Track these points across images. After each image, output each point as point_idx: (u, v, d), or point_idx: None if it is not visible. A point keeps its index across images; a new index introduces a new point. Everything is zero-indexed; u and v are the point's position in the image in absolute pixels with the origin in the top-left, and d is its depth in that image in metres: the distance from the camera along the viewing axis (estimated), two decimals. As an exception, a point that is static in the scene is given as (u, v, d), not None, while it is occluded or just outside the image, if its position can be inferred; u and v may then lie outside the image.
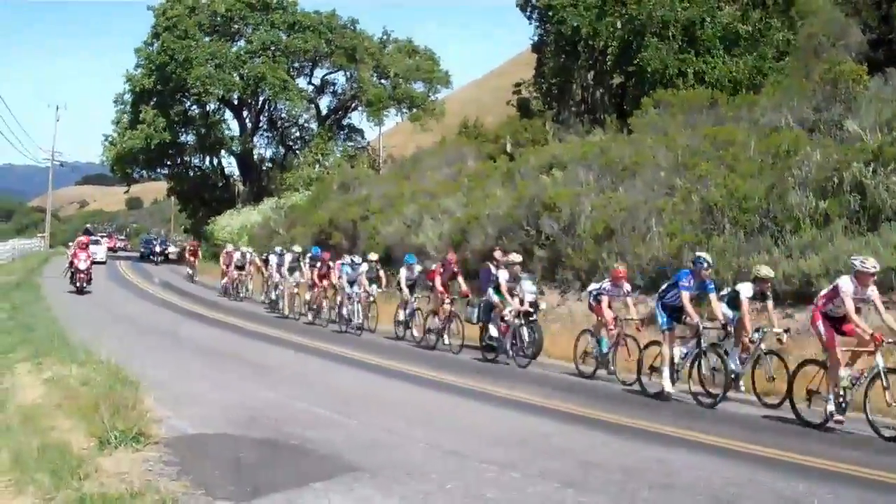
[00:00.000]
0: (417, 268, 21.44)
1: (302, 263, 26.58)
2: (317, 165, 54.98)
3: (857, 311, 10.96)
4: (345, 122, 64.78)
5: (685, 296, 12.97)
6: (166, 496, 6.67)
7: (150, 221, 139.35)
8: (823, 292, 11.59)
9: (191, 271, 43.02)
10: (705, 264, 13.10)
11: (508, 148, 35.92)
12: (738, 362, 13.20)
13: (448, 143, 45.43)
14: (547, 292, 22.65)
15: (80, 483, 6.83)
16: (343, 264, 23.42)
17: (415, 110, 59.96)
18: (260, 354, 17.43)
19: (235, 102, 61.17)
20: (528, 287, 17.81)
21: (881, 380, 10.55)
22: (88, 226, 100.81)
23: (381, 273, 22.86)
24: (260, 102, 61.91)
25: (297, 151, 62.02)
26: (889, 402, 10.54)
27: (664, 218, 20.53)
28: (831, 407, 10.93)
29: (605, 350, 15.34)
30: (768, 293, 13.42)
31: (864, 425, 10.63)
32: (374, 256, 22.96)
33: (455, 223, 27.51)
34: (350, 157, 58.55)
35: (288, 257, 27.17)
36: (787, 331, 13.11)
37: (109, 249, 62.66)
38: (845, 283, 10.89)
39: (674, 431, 10.42)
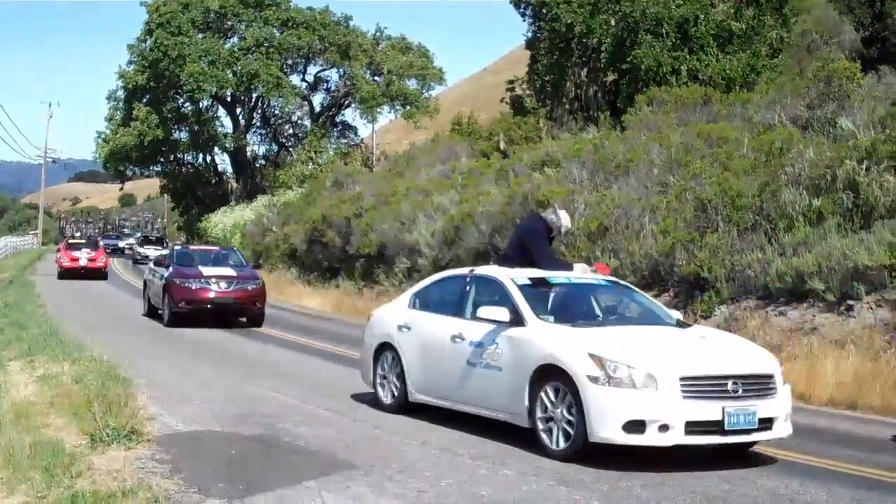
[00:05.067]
0: None
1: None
2: (310, 163, 54.85)
3: None
4: (338, 119, 64.72)
5: None
6: (159, 494, 6.66)
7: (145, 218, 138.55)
8: None
9: None
10: None
11: (502, 145, 35.86)
12: None
13: (441, 140, 45.32)
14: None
15: (73, 481, 6.80)
16: None
17: (408, 107, 59.83)
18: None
19: (229, 99, 61.04)
20: None
21: None
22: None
23: None
24: (253, 99, 61.79)
25: (291, 149, 61.96)
26: None
27: (657, 215, 20.52)
28: None
29: None
30: None
31: (857, 423, 10.65)
32: None
33: (449, 220, 27.47)
34: (343, 154, 58.41)
35: None
36: None
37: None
38: None
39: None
